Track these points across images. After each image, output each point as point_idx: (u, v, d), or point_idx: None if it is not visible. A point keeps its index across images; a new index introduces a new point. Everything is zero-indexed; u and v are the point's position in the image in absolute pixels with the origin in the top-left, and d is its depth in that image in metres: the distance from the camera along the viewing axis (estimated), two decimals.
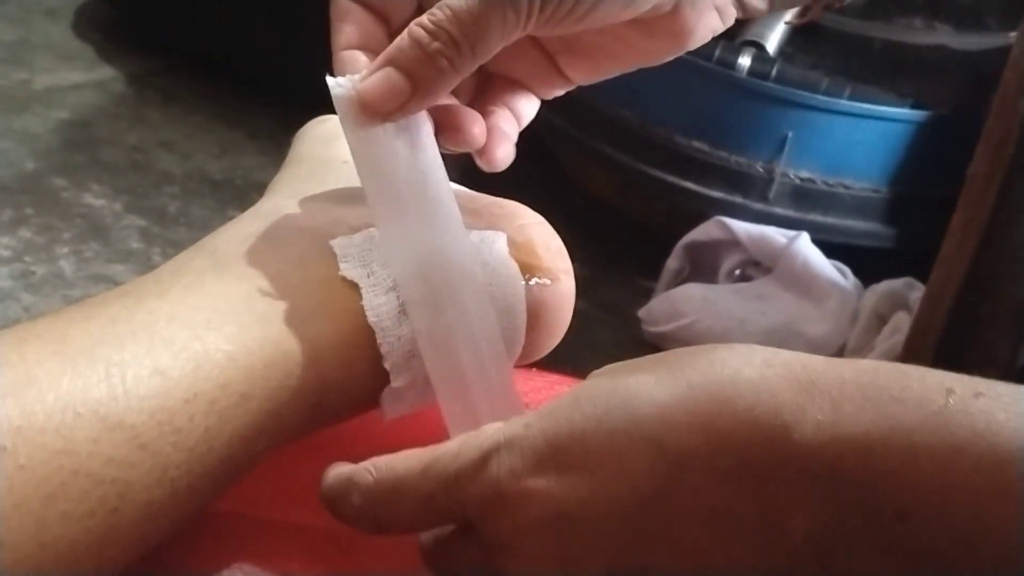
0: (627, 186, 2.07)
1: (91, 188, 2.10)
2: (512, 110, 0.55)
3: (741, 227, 1.87)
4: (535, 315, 0.53)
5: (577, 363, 0.53)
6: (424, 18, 0.48)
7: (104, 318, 0.44)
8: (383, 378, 0.50)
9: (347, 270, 0.50)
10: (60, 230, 1.97)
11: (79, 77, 2.49)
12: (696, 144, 1.94)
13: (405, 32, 0.48)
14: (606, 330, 1.94)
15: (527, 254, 0.53)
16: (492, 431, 0.44)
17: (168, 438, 0.42)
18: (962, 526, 0.36)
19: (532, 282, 0.53)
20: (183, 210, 2.07)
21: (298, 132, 0.63)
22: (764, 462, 0.39)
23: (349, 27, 0.51)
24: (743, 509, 0.39)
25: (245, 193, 2.13)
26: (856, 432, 0.38)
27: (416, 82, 0.48)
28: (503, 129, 0.54)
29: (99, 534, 0.41)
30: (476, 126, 0.53)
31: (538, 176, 2.17)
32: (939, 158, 1.85)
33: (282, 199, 0.55)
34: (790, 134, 1.87)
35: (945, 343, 1.62)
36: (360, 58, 0.51)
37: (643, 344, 1.88)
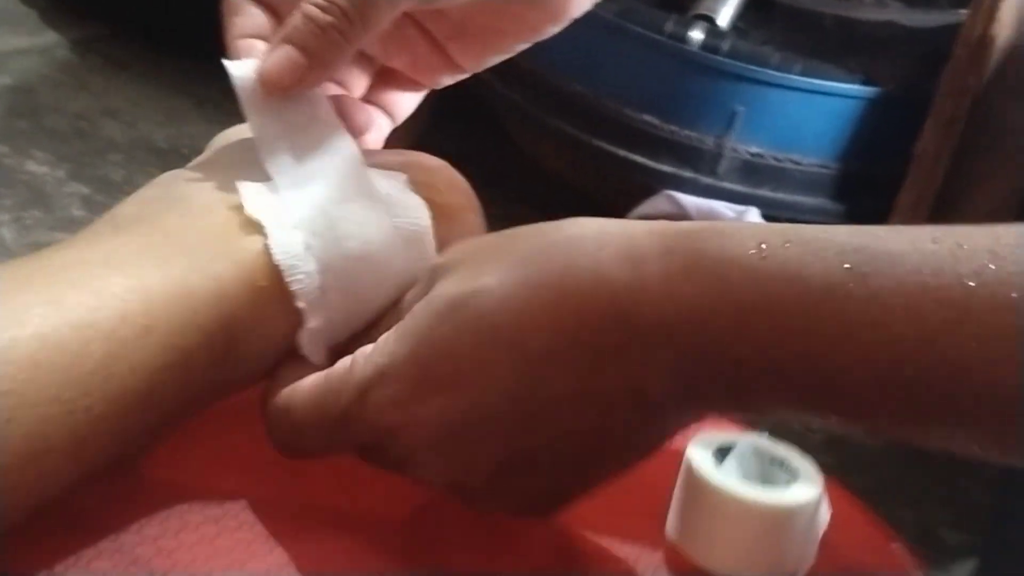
0: (577, 159, 2.07)
1: (34, 155, 2.07)
2: (391, 104, 0.60)
3: (690, 201, 1.87)
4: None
5: None
6: None
7: (2, 272, 0.46)
8: (298, 320, 0.50)
9: (252, 208, 0.49)
10: (1, 197, 1.94)
11: (22, 43, 2.45)
12: (646, 118, 1.93)
13: (298, 10, 0.51)
14: None
15: (430, 191, 0.54)
16: (361, 366, 0.47)
17: (62, 359, 0.43)
18: (788, 364, 0.41)
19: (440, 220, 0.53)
20: (127, 178, 2.05)
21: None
22: (614, 345, 0.43)
23: (241, 19, 0.54)
24: (606, 385, 0.44)
25: (191, 161, 2.10)
26: (688, 304, 0.42)
27: (312, 55, 0.51)
28: (377, 122, 0.58)
29: None
30: (361, 114, 0.56)
31: (489, 149, 2.16)
32: (888, 135, 1.86)
33: (186, 168, 0.55)
34: (741, 109, 1.87)
35: None
36: (257, 44, 0.53)
37: None
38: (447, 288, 0.46)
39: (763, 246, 0.42)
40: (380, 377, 0.46)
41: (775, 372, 0.42)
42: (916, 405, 0.40)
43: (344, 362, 0.48)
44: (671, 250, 0.43)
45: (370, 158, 0.55)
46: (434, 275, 0.48)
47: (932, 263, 0.39)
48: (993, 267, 0.38)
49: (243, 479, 0.51)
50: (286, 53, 0.51)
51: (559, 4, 0.57)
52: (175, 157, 2.13)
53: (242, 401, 0.51)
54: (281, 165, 0.51)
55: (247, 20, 0.54)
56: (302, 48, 0.51)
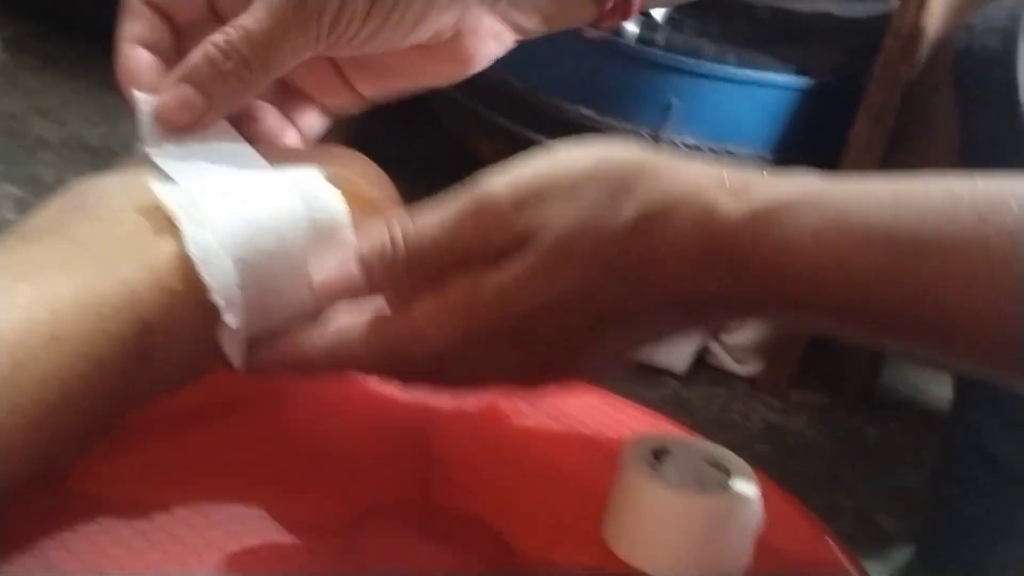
0: (514, 153, 2.05)
1: None
2: (298, 120, 0.60)
3: None
4: None
5: None
6: (218, 36, 0.52)
7: None
8: (214, 323, 0.49)
9: (167, 205, 0.49)
10: None
11: None
12: (583, 111, 1.93)
13: (200, 49, 0.52)
14: None
15: (347, 184, 0.53)
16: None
17: None
18: (844, 329, 0.50)
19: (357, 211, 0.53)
20: (60, 178, 2.02)
21: None
22: (697, 306, 0.49)
23: (132, 24, 0.55)
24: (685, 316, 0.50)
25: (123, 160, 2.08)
26: (750, 297, 0.48)
27: (210, 98, 0.52)
28: (288, 132, 0.59)
29: None
30: (269, 118, 0.58)
31: (426, 143, 2.15)
32: (822, 125, 1.87)
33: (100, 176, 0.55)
34: (676, 101, 1.87)
35: None
36: (142, 54, 0.54)
37: None
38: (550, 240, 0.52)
39: (816, 231, 0.47)
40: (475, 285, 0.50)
41: (834, 329, 0.50)
42: (960, 356, 0.48)
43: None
44: (739, 239, 0.47)
45: (286, 153, 0.55)
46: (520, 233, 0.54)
47: (980, 243, 0.45)
48: None
49: (172, 490, 0.50)
50: (184, 93, 0.52)
51: (460, 61, 0.58)
52: (108, 156, 2.11)
53: (168, 409, 0.51)
54: (186, 167, 0.51)
55: (138, 25, 0.55)
56: (200, 89, 0.52)
